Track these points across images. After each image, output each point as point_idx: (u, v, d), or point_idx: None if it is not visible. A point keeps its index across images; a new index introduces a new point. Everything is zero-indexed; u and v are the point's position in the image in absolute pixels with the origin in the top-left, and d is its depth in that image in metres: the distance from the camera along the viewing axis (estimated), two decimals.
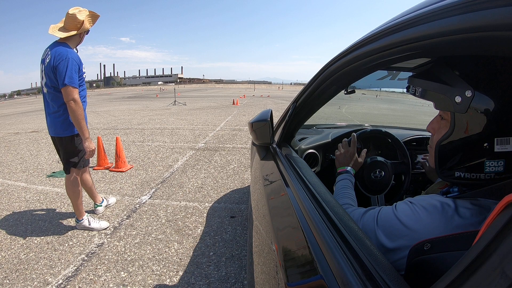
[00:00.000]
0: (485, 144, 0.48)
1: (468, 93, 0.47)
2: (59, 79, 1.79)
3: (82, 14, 1.88)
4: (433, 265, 0.45)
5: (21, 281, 1.63)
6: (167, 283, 1.63)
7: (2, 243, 2.02)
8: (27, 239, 2.08)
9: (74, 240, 2.07)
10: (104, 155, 3.81)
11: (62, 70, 1.78)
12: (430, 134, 0.61)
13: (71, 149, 2.00)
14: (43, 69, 1.89)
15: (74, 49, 1.94)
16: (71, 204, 2.18)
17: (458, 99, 0.49)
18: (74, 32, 1.88)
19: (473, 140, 0.50)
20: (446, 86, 0.51)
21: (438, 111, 0.57)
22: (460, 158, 0.52)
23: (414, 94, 0.59)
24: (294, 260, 0.60)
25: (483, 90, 0.47)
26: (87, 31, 2.01)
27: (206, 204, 2.68)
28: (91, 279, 1.66)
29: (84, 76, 1.95)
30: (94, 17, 1.97)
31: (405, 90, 0.66)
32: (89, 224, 2.18)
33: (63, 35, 1.85)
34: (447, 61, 0.53)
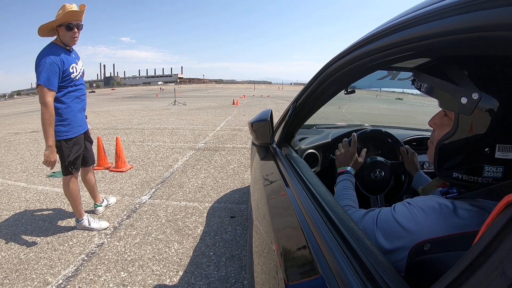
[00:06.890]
0: (486, 149, 0.47)
1: (475, 96, 0.45)
2: (36, 79, 1.77)
3: (60, 9, 1.81)
4: (433, 265, 0.45)
5: (21, 281, 1.63)
6: (167, 283, 1.63)
7: (2, 243, 2.02)
8: (27, 239, 2.08)
9: (74, 240, 2.07)
10: (104, 155, 3.81)
11: (37, 70, 1.77)
12: (432, 129, 0.60)
13: (60, 154, 1.97)
14: None
15: (66, 48, 1.88)
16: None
17: (464, 100, 0.47)
18: (44, 31, 1.86)
19: (475, 143, 0.49)
20: (453, 85, 0.50)
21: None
22: (460, 160, 0.52)
23: (419, 89, 0.57)
24: (294, 260, 0.60)
25: (491, 93, 0.45)
26: (69, 27, 1.82)
27: (206, 204, 2.68)
28: (91, 279, 1.66)
29: (72, 76, 1.89)
30: (70, 12, 1.79)
31: (404, 89, 0.65)
32: (89, 224, 2.18)
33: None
34: (456, 59, 0.51)
